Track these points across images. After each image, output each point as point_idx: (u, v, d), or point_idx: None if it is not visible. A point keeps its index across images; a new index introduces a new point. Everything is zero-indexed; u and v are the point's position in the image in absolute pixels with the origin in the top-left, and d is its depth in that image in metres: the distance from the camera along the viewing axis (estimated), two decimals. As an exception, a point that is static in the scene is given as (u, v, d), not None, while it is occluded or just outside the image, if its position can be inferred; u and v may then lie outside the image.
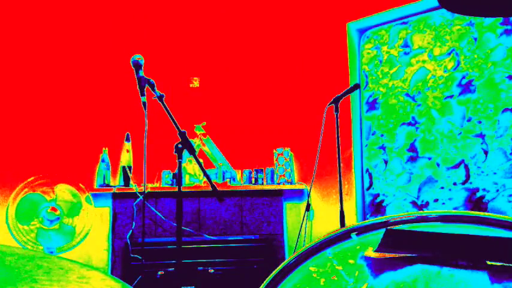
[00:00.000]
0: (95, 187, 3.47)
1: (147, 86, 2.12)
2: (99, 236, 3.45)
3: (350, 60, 3.58)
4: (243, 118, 3.93)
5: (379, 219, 0.80)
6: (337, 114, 2.84)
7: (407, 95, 3.24)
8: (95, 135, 3.64)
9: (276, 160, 3.74)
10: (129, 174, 3.47)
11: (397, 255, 0.66)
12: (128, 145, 3.53)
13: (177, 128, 2.10)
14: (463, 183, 2.90)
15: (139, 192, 3.36)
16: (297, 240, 3.32)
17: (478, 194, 2.83)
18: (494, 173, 2.77)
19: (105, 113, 3.70)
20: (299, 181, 3.84)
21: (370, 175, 3.41)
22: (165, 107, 2.11)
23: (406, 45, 3.29)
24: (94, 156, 3.59)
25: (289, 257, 0.76)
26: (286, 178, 3.71)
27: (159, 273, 3.23)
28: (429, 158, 3.08)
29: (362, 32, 3.58)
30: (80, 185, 3.20)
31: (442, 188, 3.00)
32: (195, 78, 3.93)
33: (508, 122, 2.75)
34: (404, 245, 0.68)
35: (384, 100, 3.38)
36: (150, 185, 3.52)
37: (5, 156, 3.47)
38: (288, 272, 0.74)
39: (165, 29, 3.91)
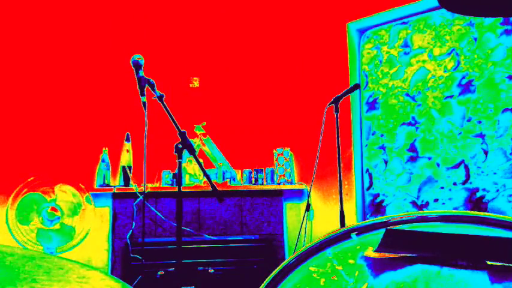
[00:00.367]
0: (95, 187, 3.47)
1: (147, 86, 2.12)
2: (99, 236, 3.45)
3: (350, 60, 3.58)
4: (243, 118, 3.93)
5: (379, 219, 0.80)
6: (337, 114, 2.84)
7: (407, 95, 3.24)
8: (95, 135, 3.64)
9: (276, 160, 3.74)
10: (129, 174, 3.47)
11: (397, 255, 0.66)
12: (128, 145, 3.53)
13: (177, 128, 2.10)
14: (463, 183, 2.90)
15: (139, 192, 3.36)
16: (297, 240, 3.32)
17: (478, 194, 2.83)
18: (494, 173, 2.77)
19: (105, 113, 3.70)
20: (299, 181, 3.84)
21: (370, 175, 3.41)
22: (165, 107, 2.11)
23: (406, 45, 3.29)
24: (94, 156, 3.59)
25: (289, 257, 0.76)
26: (286, 178, 3.71)
27: (159, 273, 3.23)
28: (429, 158, 3.08)
29: (362, 32, 3.58)
30: (80, 185, 3.20)
31: (442, 188, 3.00)
32: (195, 78, 3.93)
33: (508, 122, 2.75)
34: (404, 245, 0.68)
35: (384, 100, 3.38)
36: (150, 185, 3.52)
37: (5, 157, 3.47)
38: (288, 272, 0.74)
39: (165, 29, 3.91)
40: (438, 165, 3.03)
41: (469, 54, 2.96)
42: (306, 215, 3.20)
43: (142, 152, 3.40)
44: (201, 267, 3.30)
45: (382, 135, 3.36)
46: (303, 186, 3.72)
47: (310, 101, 3.80)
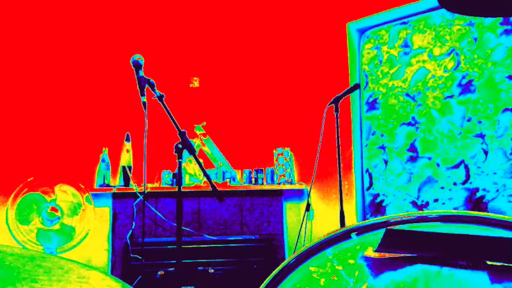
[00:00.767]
0: (95, 187, 3.48)
1: (147, 86, 2.12)
2: (99, 236, 3.45)
3: (350, 60, 3.58)
4: (243, 118, 3.93)
5: (379, 219, 0.80)
6: (337, 114, 2.84)
7: (407, 95, 3.24)
8: (95, 135, 3.65)
9: (276, 160, 3.74)
10: (129, 174, 3.47)
11: (397, 255, 0.66)
12: (128, 145, 3.53)
13: (177, 128, 2.10)
14: (463, 183, 2.90)
15: (139, 192, 3.36)
16: (297, 240, 3.32)
17: (478, 194, 2.83)
18: (494, 173, 2.77)
19: (105, 113, 3.70)
20: (299, 181, 3.84)
21: (370, 175, 3.41)
22: (165, 107, 2.11)
23: (406, 45, 3.29)
24: (94, 156, 3.59)
25: (289, 257, 0.76)
26: (286, 178, 3.71)
27: (159, 273, 3.23)
28: (429, 158, 3.08)
29: (362, 32, 3.58)
30: (80, 185, 3.20)
31: (442, 188, 3.00)
32: (195, 78, 3.93)
33: (508, 122, 2.75)
34: (404, 245, 0.68)
35: (384, 100, 3.38)
36: (150, 185, 3.52)
37: (5, 157, 3.47)
38: (288, 272, 0.74)
39: (165, 29, 3.91)
40: (438, 165, 3.03)
41: (469, 54, 2.96)
42: (306, 215, 3.20)
43: (142, 152, 3.40)
44: (201, 267, 3.30)
45: (382, 135, 3.36)
46: (303, 186, 3.72)
47: (310, 101, 3.79)
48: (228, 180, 3.65)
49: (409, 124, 3.21)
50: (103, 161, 3.53)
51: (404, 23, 3.32)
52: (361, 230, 0.78)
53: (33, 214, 3.02)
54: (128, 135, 3.54)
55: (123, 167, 3.49)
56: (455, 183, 2.94)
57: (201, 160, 3.53)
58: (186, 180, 3.59)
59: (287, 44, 3.98)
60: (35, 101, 3.60)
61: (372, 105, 3.45)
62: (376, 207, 3.35)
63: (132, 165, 3.52)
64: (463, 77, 2.97)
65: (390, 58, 3.37)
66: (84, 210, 3.17)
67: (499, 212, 2.69)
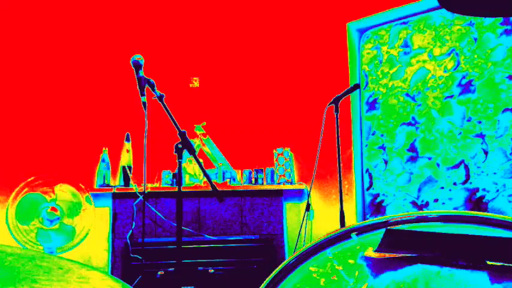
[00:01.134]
0: (95, 187, 3.48)
1: (147, 86, 2.12)
2: (99, 236, 3.45)
3: (350, 60, 3.58)
4: (243, 118, 3.93)
5: (379, 219, 0.80)
6: (337, 114, 2.84)
7: (407, 95, 3.24)
8: (95, 135, 3.65)
9: (276, 160, 3.74)
10: (129, 174, 3.47)
11: (397, 255, 0.66)
12: (128, 145, 3.53)
13: (177, 128, 2.10)
14: (463, 183, 2.90)
15: (139, 192, 3.36)
16: (297, 240, 3.32)
17: (478, 194, 2.83)
18: (494, 173, 2.77)
19: (105, 113, 3.70)
20: (299, 181, 3.84)
21: (370, 175, 3.41)
22: (165, 107, 2.11)
23: (406, 45, 3.29)
24: (94, 156, 3.59)
25: (289, 257, 0.76)
26: (286, 178, 3.71)
27: (159, 273, 3.23)
28: (429, 158, 3.08)
29: (362, 32, 3.58)
30: (80, 185, 3.20)
31: (442, 188, 3.00)
32: (195, 78, 3.93)
33: (508, 122, 2.75)
34: (404, 245, 0.68)
35: (384, 100, 3.38)
36: (150, 185, 3.52)
37: (5, 156, 3.47)
38: (288, 272, 0.74)
39: (165, 29, 3.91)
40: (438, 165, 3.03)
41: (469, 54, 2.96)
42: (306, 215, 3.20)
43: (142, 152, 3.40)
44: (201, 267, 3.30)
45: (382, 135, 3.36)
46: (303, 186, 3.72)
47: (310, 101, 3.79)
48: (228, 180, 3.65)
49: (409, 124, 3.21)
50: (103, 161, 3.53)
51: (404, 23, 3.32)
52: (361, 230, 0.78)
53: (33, 214, 3.02)
54: (127, 135, 3.54)
55: (123, 167, 3.49)
56: (455, 183, 2.94)
57: (201, 160, 3.53)
58: (186, 180, 3.59)
59: (287, 44, 3.98)
60: (35, 101, 3.60)
61: (372, 105, 3.45)
62: (376, 207, 3.35)
63: (132, 165, 3.52)
64: (463, 77, 2.97)
65: (390, 58, 3.37)
66: (84, 210, 3.17)
67: (499, 212, 2.69)
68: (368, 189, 3.42)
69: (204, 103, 3.91)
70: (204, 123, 3.81)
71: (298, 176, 3.87)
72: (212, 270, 3.30)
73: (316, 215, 3.68)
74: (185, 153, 2.22)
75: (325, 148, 3.26)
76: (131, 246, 3.32)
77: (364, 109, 3.51)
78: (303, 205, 3.48)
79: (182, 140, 2.09)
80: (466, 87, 2.95)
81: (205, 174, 2.17)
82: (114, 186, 3.45)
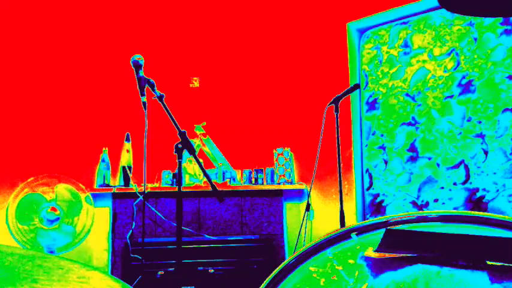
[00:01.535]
0: (95, 187, 3.47)
1: (147, 86, 2.12)
2: (99, 236, 3.45)
3: (350, 60, 3.58)
4: (243, 118, 3.93)
5: (379, 219, 0.80)
6: (337, 114, 2.84)
7: (407, 95, 3.24)
8: (95, 135, 3.65)
9: (276, 160, 3.74)
10: (129, 174, 3.47)
11: (397, 255, 0.66)
12: (128, 145, 3.53)
13: (177, 128, 2.10)
14: (463, 183, 2.90)
15: (139, 192, 3.36)
16: (297, 240, 3.32)
17: (478, 194, 2.83)
18: (494, 173, 2.77)
19: (105, 113, 3.70)
20: (299, 181, 3.84)
21: (370, 175, 3.41)
22: (165, 107, 2.11)
23: (406, 45, 3.29)
24: (94, 156, 3.59)
25: (289, 257, 0.76)
26: (286, 178, 3.71)
27: (159, 273, 3.23)
28: (429, 158, 3.08)
29: (362, 32, 3.58)
30: (80, 185, 3.20)
31: (442, 188, 3.00)
32: (195, 78, 3.93)
33: (508, 122, 2.75)
34: (404, 245, 0.68)
35: (384, 100, 3.38)
36: (150, 185, 3.52)
37: (5, 156, 3.47)
38: (288, 272, 0.74)
39: (165, 29, 3.91)
40: (438, 165, 3.03)
41: (469, 54, 2.96)
42: (306, 215, 3.20)
43: (142, 152, 3.40)
44: (201, 267, 3.30)
45: (382, 135, 3.36)
46: (303, 186, 3.72)
47: (310, 101, 3.79)
48: (228, 180, 3.65)
49: (409, 124, 3.21)
50: (103, 161, 3.53)
51: (404, 23, 3.32)
52: (361, 230, 0.78)
53: (33, 214, 3.02)
54: (127, 135, 3.54)
55: (123, 167, 3.49)
56: (455, 183, 2.94)
57: (201, 160, 3.53)
58: (186, 180, 3.59)
59: (287, 44, 3.98)
60: (35, 101, 3.60)
61: (372, 105, 3.45)
62: (376, 207, 3.35)
63: (132, 165, 3.52)
64: (463, 77, 2.97)
65: (390, 58, 3.37)
66: (84, 210, 3.17)
67: (499, 212, 2.69)
68: (368, 189, 3.42)
69: (204, 103, 3.91)
70: (204, 123, 3.81)
71: (298, 176, 3.87)
72: (212, 270, 3.30)
73: (316, 215, 3.68)
74: (185, 153, 2.22)
75: (325, 148, 3.25)
76: (131, 246, 3.32)
77: (364, 109, 3.51)
78: (303, 205, 3.48)
79: (182, 140, 2.09)
80: (466, 87, 2.95)
81: (205, 174, 2.17)
82: (114, 186, 3.45)
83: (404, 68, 3.28)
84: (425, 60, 3.17)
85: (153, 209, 3.45)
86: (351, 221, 3.37)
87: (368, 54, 3.51)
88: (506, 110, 2.76)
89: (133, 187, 3.42)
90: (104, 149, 3.56)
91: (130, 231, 3.39)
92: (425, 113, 3.13)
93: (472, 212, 0.72)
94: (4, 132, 3.50)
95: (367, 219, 2.03)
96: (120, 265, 3.38)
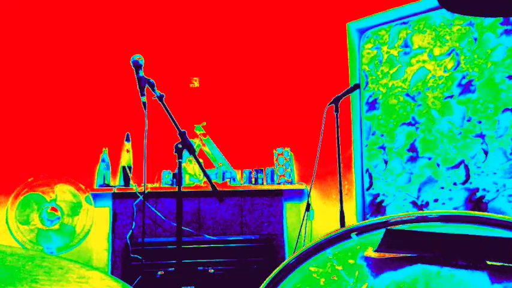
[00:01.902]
0: (95, 187, 3.48)
1: (147, 86, 2.12)
2: (99, 236, 3.45)
3: (350, 60, 3.58)
4: (243, 118, 3.93)
5: (379, 219, 0.80)
6: (337, 114, 2.84)
7: (407, 95, 3.24)
8: (95, 135, 3.65)
9: (276, 160, 3.74)
10: (129, 174, 3.47)
11: (397, 255, 0.66)
12: (128, 145, 3.53)
13: (177, 128, 2.10)
14: (463, 183, 2.90)
15: (139, 192, 3.36)
16: (297, 240, 3.32)
17: (478, 194, 2.83)
18: (494, 173, 2.77)
19: (105, 113, 3.70)
20: (299, 181, 3.84)
21: (370, 175, 3.41)
22: (165, 107, 2.11)
23: (406, 45, 3.29)
24: (94, 156, 3.59)
25: (289, 257, 0.76)
26: (286, 178, 3.71)
27: (159, 273, 3.23)
28: (429, 158, 3.08)
29: (362, 32, 3.58)
30: (80, 185, 3.20)
31: (442, 188, 3.00)
32: (195, 78, 3.93)
33: (508, 122, 2.75)
34: (404, 245, 0.68)
35: (384, 100, 3.38)
36: (150, 185, 3.52)
37: (5, 157, 3.47)
38: (288, 272, 0.74)
39: (165, 29, 3.91)
40: (438, 165, 3.03)
41: (469, 54, 2.96)
42: (306, 215, 3.20)
43: (142, 152, 3.40)
44: (201, 267, 3.30)
45: (382, 135, 3.36)
46: (303, 186, 3.72)
47: (310, 101, 3.79)
48: (228, 180, 3.65)
49: (409, 124, 3.21)
50: (103, 161, 3.53)
51: (404, 23, 3.32)
52: (361, 230, 0.78)
53: (33, 214, 3.02)
54: (127, 135, 3.54)
55: (123, 167, 3.49)
56: (455, 183, 2.94)
57: (201, 160, 3.53)
58: (186, 180, 3.59)
59: (287, 44, 3.98)
60: (35, 101, 3.60)
61: (372, 105, 3.45)
62: (376, 207, 3.35)
63: (132, 165, 3.52)
64: (463, 77, 2.97)
65: (390, 58, 3.37)
66: (84, 210, 3.17)
67: (499, 212, 2.69)
68: (368, 189, 3.42)
69: (204, 103, 3.91)
70: (204, 123, 3.81)
71: (298, 176, 3.87)
72: (212, 270, 3.30)
73: (316, 215, 3.68)
74: (185, 153, 2.22)
75: (325, 148, 3.25)
76: (131, 246, 3.32)
77: (364, 109, 3.51)
78: (303, 205, 3.48)
79: (182, 140, 2.09)
80: (466, 87, 2.95)
81: (205, 174, 2.17)
82: (114, 186, 3.45)
83: (404, 68, 3.28)
84: (425, 60, 3.17)
85: (153, 209, 3.45)
86: (351, 221, 3.37)
87: (368, 54, 3.51)
88: (506, 110, 2.77)
89: (134, 187, 3.41)
90: (104, 149, 3.56)
91: (131, 231, 3.39)
92: (425, 113, 3.13)
93: (472, 212, 0.72)
94: (4, 132, 3.50)
95: (367, 219, 2.03)
96: (120, 265, 3.38)
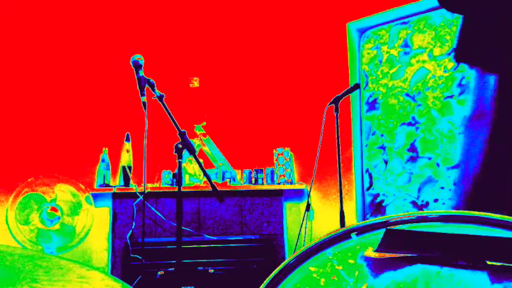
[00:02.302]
0: (95, 187, 3.47)
1: (147, 86, 2.12)
2: (99, 236, 3.45)
3: (350, 60, 3.58)
4: (243, 118, 3.93)
5: (379, 219, 0.80)
6: (337, 114, 2.84)
7: (407, 95, 3.24)
8: (95, 135, 3.64)
9: (276, 160, 3.74)
10: (129, 174, 3.47)
11: (397, 255, 0.66)
12: (128, 145, 3.53)
13: (177, 128, 2.10)
14: (463, 183, 2.90)
15: (139, 192, 3.36)
16: (297, 240, 3.32)
17: (478, 194, 2.83)
18: (494, 173, 2.77)
19: (105, 113, 3.70)
20: (299, 181, 3.84)
21: (370, 175, 3.41)
22: (165, 107, 2.11)
23: (406, 45, 3.29)
24: (94, 156, 3.59)
25: (289, 257, 0.76)
26: (286, 178, 3.71)
27: (159, 273, 3.23)
28: (429, 158, 3.08)
29: (362, 32, 3.58)
30: (80, 185, 3.20)
31: (442, 188, 3.00)
32: (195, 78, 3.93)
33: (508, 122, 2.74)
34: (404, 245, 0.68)
35: (384, 100, 3.38)
36: (150, 185, 3.52)
37: (5, 156, 3.47)
38: (288, 272, 0.74)
39: (165, 29, 3.91)
40: (438, 165, 3.03)
41: (469, 54, 2.96)
42: (306, 215, 3.20)
43: (142, 152, 3.40)
44: (201, 267, 3.30)
45: (382, 135, 3.36)
46: (303, 186, 3.72)
47: (310, 101, 3.79)
48: (228, 180, 3.65)
49: (409, 124, 3.21)
50: (103, 161, 3.53)
51: (404, 23, 3.32)
52: (361, 230, 0.78)
53: (33, 214, 3.02)
54: (127, 135, 3.54)
55: (123, 167, 3.49)
56: (455, 183, 2.94)
57: (201, 160, 3.53)
58: (186, 180, 3.59)
59: (287, 44, 3.98)
60: (35, 101, 3.60)
61: (372, 105, 3.45)
62: (376, 207, 3.35)
63: (132, 165, 3.52)
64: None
65: (390, 58, 3.37)
66: (84, 210, 3.17)
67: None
68: (368, 189, 3.42)
69: (204, 103, 3.91)
70: (204, 123, 3.81)
71: (298, 176, 3.87)
72: (212, 270, 3.30)
73: (316, 215, 3.68)
74: (185, 153, 2.22)
75: (325, 148, 3.25)
76: (131, 246, 3.32)
77: (364, 109, 3.51)
78: (303, 205, 3.48)
79: (182, 140, 2.08)
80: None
81: (205, 174, 2.17)
82: (114, 186, 3.45)
83: (404, 68, 3.28)
84: (425, 60, 3.17)
85: (153, 209, 3.45)
86: (351, 221, 3.37)
87: (368, 54, 3.51)
88: (506, 110, 2.76)
89: (133, 187, 3.41)
90: (104, 149, 3.56)
91: (130, 231, 3.39)
92: (425, 113, 3.13)
93: (472, 212, 0.72)
94: (4, 132, 3.50)
95: (367, 219, 2.03)
96: (120, 265, 3.38)
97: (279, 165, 3.73)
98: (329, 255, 0.74)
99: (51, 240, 3.03)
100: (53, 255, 0.55)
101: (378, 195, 3.35)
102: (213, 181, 2.58)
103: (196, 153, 2.80)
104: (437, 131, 3.06)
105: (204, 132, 3.78)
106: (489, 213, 0.70)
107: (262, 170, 3.73)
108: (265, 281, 0.74)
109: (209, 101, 3.93)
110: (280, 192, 3.68)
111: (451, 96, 3.01)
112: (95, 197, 3.41)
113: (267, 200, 3.63)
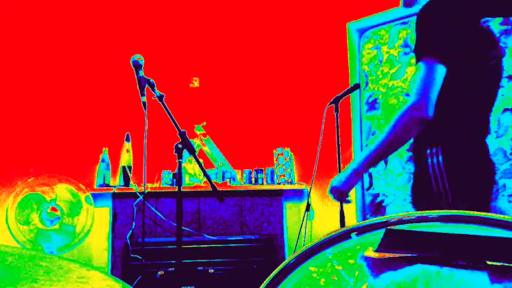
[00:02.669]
0: (95, 187, 3.47)
1: (147, 86, 2.12)
2: (99, 236, 3.45)
3: (350, 60, 3.58)
4: (243, 118, 3.93)
5: (379, 219, 0.80)
6: (337, 114, 2.84)
7: (407, 95, 3.24)
8: (95, 135, 3.65)
9: (276, 160, 3.74)
10: (129, 174, 3.47)
11: (397, 255, 0.66)
12: (128, 145, 3.53)
13: (177, 128, 2.10)
14: (463, 183, 2.90)
15: (139, 192, 3.36)
16: (297, 240, 3.32)
17: (478, 194, 2.83)
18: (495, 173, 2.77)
19: (105, 113, 3.70)
20: (299, 181, 3.84)
21: (370, 175, 3.41)
22: (165, 107, 2.11)
23: (406, 45, 3.29)
24: (94, 156, 3.59)
25: (289, 257, 0.76)
26: (286, 178, 3.71)
27: (159, 273, 3.23)
28: (429, 158, 3.08)
29: (362, 32, 3.58)
30: (80, 185, 3.20)
31: (442, 188, 2.99)
32: (195, 78, 3.93)
33: (508, 122, 2.75)
34: (405, 245, 0.68)
35: (384, 100, 3.38)
36: (150, 185, 3.52)
37: (5, 156, 3.47)
38: (288, 272, 0.74)
39: (165, 29, 3.91)
40: (438, 165, 3.03)
41: (469, 54, 2.96)
42: (306, 215, 3.20)
43: (142, 152, 3.40)
44: (201, 267, 3.30)
45: (382, 135, 3.36)
46: (303, 186, 3.72)
47: (310, 101, 3.79)
48: (228, 180, 3.65)
49: (409, 124, 3.20)
50: (103, 161, 3.53)
51: (404, 23, 3.32)
52: (361, 230, 0.78)
53: (33, 214, 3.02)
54: (127, 135, 3.54)
55: (123, 167, 3.49)
56: (455, 183, 2.94)
57: (201, 160, 3.53)
58: (186, 180, 3.59)
59: (287, 44, 3.98)
60: (35, 101, 3.60)
61: (372, 105, 3.45)
62: (376, 207, 3.35)
63: (132, 165, 3.52)
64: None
65: (390, 58, 3.37)
66: (84, 210, 3.17)
67: (499, 212, 2.68)
68: (368, 189, 3.42)
69: (204, 103, 3.91)
70: (204, 123, 3.81)
71: (298, 176, 3.87)
72: (212, 270, 3.30)
73: (316, 215, 3.68)
74: (185, 153, 2.22)
75: (325, 148, 3.25)
76: (131, 246, 3.32)
77: (364, 109, 3.51)
78: (303, 205, 3.48)
79: (182, 140, 2.08)
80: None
81: (205, 174, 2.17)
82: (114, 186, 3.45)
83: (404, 68, 3.28)
84: (425, 60, 3.17)
85: (153, 209, 3.45)
86: (351, 221, 3.37)
87: (368, 54, 3.51)
88: (506, 110, 2.76)
89: (133, 187, 3.42)
90: (104, 149, 3.56)
91: (130, 231, 3.39)
92: (425, 113, 3.13)
93: (472, 212, 0.72)
94: (4, 132, 3.50)
95: (367, 219, 2.03)
96: (120, 265, 3.38)
97: (279, 165, 3.73)
98: (329, 255, 0.74)
99: (51, 240, 3.03)
100: (53, 255, 0.55)
101: (377, 195, 3.35)
102: (213, 181, 2.58)
103: (196, 153, 2.80)
104: (437, 131, 3.06)
105: (204, 132, 3.78)
106: (489, 213, 0.70)
107: (262, 170, 3.73)
108: (265, 281, 0.74)
109: (209, 101, 3.93)
110: (280, 192, 3.68)
111: (451, 96, 3.01)
112: (95, 197, 3.41)
113: (267, 200, 3.63)
